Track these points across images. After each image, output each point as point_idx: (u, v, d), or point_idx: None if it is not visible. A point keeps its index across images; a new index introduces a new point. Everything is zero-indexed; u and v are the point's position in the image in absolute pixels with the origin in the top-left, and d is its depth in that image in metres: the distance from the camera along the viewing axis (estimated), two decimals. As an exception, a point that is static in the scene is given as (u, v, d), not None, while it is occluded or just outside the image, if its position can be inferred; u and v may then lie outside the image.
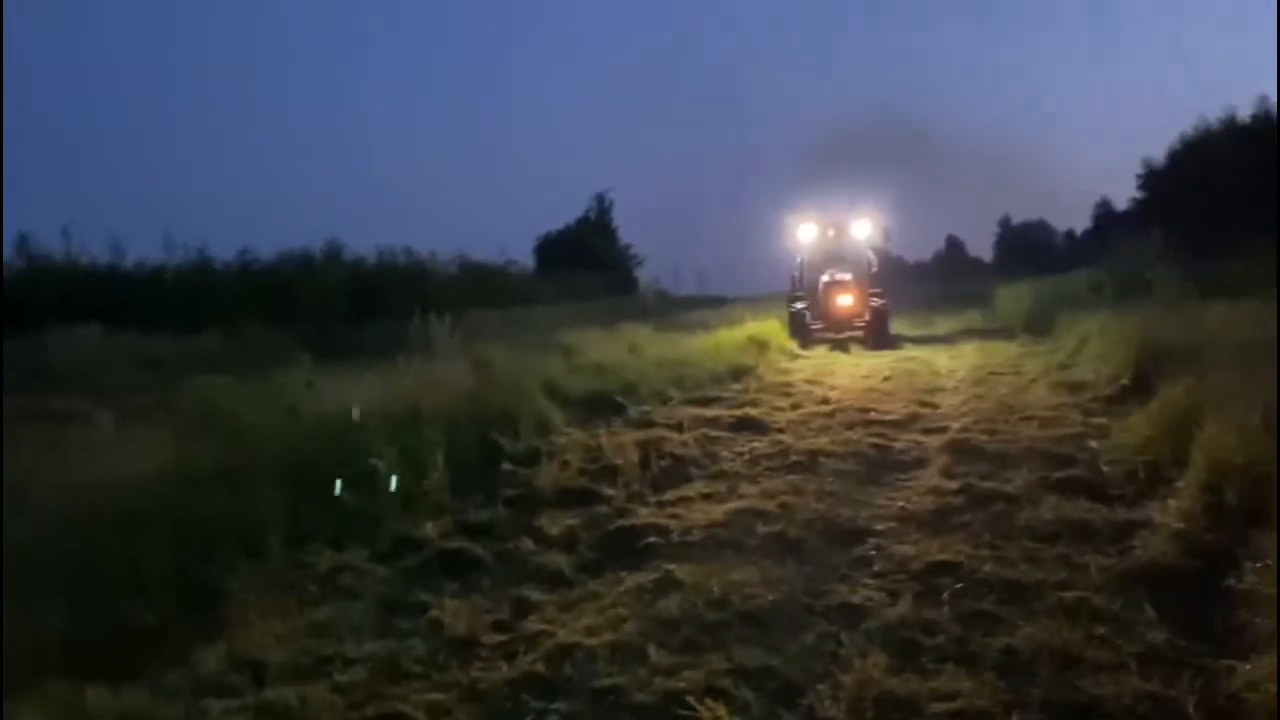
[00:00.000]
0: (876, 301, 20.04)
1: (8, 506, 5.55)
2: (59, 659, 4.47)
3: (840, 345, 19.28)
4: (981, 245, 72.45)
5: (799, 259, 21.67)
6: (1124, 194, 51.59)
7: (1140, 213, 41.18)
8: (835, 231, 21.88)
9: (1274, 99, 34.40)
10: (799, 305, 20.51)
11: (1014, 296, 26.41)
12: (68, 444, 6.50)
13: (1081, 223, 60.01)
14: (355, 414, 7.27)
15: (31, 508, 5.52)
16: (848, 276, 20.61)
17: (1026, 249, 59.84)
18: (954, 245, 70.66)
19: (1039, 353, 15.83)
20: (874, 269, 21.07)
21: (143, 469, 6.23)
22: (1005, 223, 68.85)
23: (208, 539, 5.54)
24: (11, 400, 13.18)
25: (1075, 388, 11.13)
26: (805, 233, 21.59)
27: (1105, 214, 55.77)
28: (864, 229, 21.48)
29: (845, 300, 20.29)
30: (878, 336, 19.32)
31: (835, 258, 21.61)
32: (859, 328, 19.86)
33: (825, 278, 20.67)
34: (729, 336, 17.14)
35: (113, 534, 5.24)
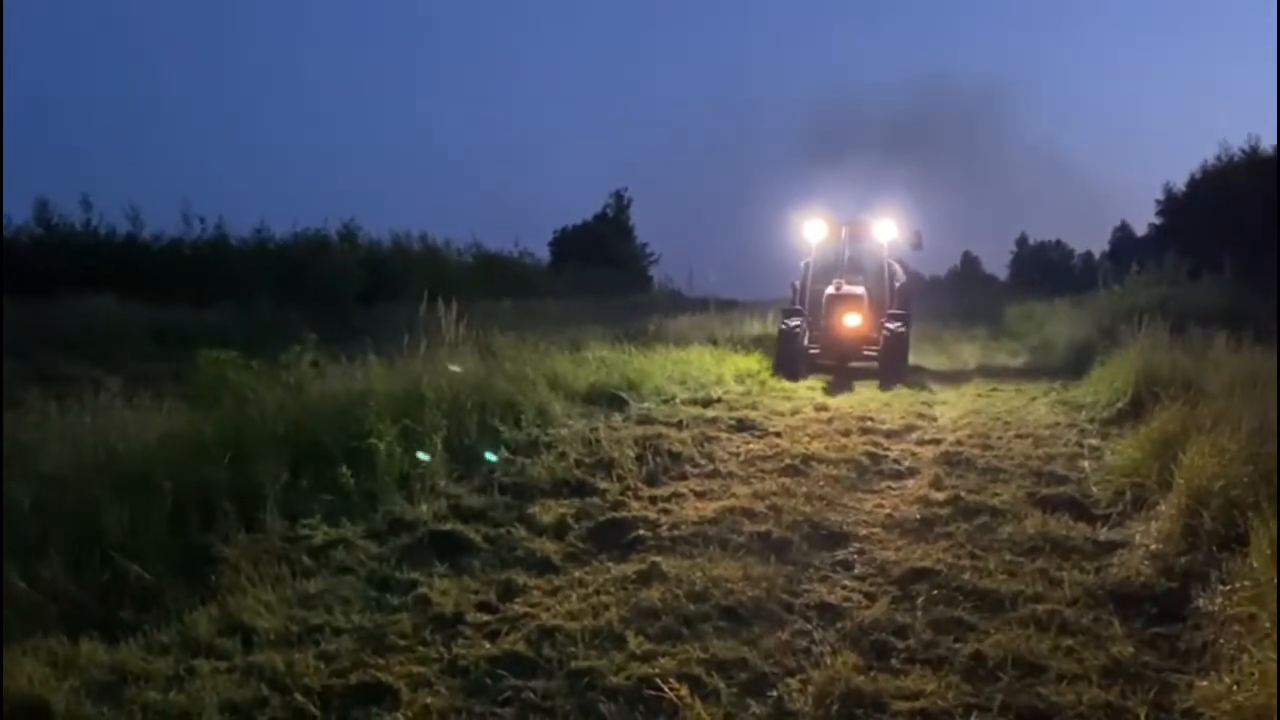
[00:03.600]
0: (894, 325, 15.38)
1: (16, 466, 5.72)
2: (57, 613, 4.63)
3: (841, 381, 14.70)
4: (998, 263, 72.30)
5: (803, 263, 17.21)
6: (1144, 219, 51.49)
7: (1158, 238, 41.04)
8: (850, 232, 17.34)
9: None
10: (792, 322, 15.67)
11: (1023, 315, 26.54)
12: (76, 408, 6.64)
13: (1099, 245, 59.82)
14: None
15: (37, 468, 5.68)
16: (859, 290, 16.10)
17: (1042, 269, 59.69)
18: (970, 262, 70.50)
19: (1042, 372, 15.88)
20: (898, 282, 16.86)
21: (148, 436, 6.38)
22: (1022, 241, 68.70)
23: (207, 507, 5.70)
24: (24, 364, 13.42)
25: (1074, 408, 11.19)
26: (813, 232, 17.08)
27: (1124, 238, 55.57)
28: (888, 232, 16.90)
29: (852, 320, 15.71)
30: (889, 370, 14.73)
31: (849, 266, 17.25)
32: (870, 357, 15.62)
33: (830, 289, 16.03)
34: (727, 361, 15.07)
35: (115, 497, 5.38)
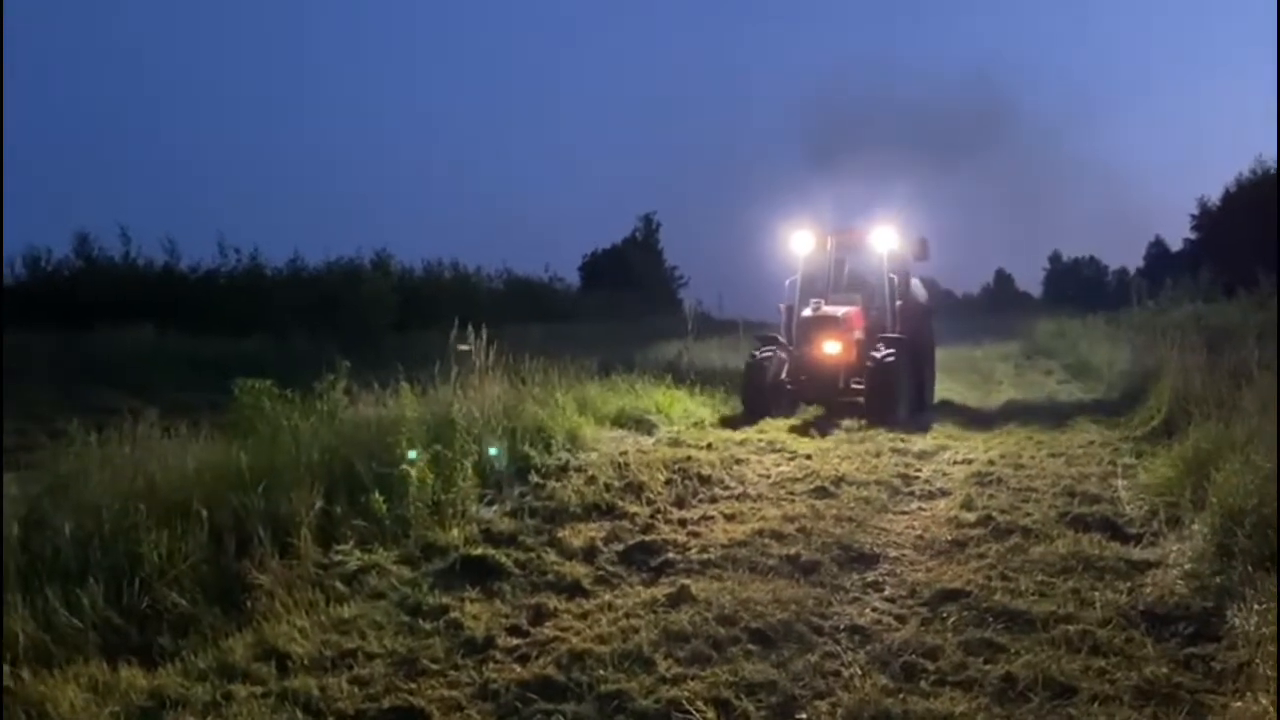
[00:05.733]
0: (882, 353, 12.84)
1: (56, 494, 5.84)
2: (97, 639, 4.72)
3: (828, 421, 12.24)
4: (1031, 280, 72.00)
5: (788, 280, 14.68)
6: (1179, 234, 51.14)
7: (1193, 254, 40.70)
8: (838, 243, 14.93)
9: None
10: (763, 352, 13.68)
11: (1056, 333, 26.35)
12: (115, 438, 6.76)
13: (1134, 261, 59.38)
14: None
15: (78, 497, 5.79)
16: (839, 311, 13.50)
17: (1076, 285, 59.38)
18: (1003, 279, 70.25)
19: (1074, 389, 15.78)
20: (899, 301, 14.10)
21: (185, 465, 6.49)
22: (1055, 258, 68.41)
23: (243, 534, 5.78)
24: (64, 395, 13.68)
25: (1108, 426, 11.13)
26: (800, 244, 14.62)
27: (1158, 253, 55.20)
28: (887, 241, 14.25)
29: (831, 347, 13.19)
30: (875, 408, 12.33)
31: (849, 282, 15.00)
32: (858, 392, 13.02)
33: (807, 311, 13.60)
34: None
35: (154, 525, 5.48)
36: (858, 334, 13.50)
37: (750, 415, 12.66)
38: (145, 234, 31.93)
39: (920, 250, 14.71)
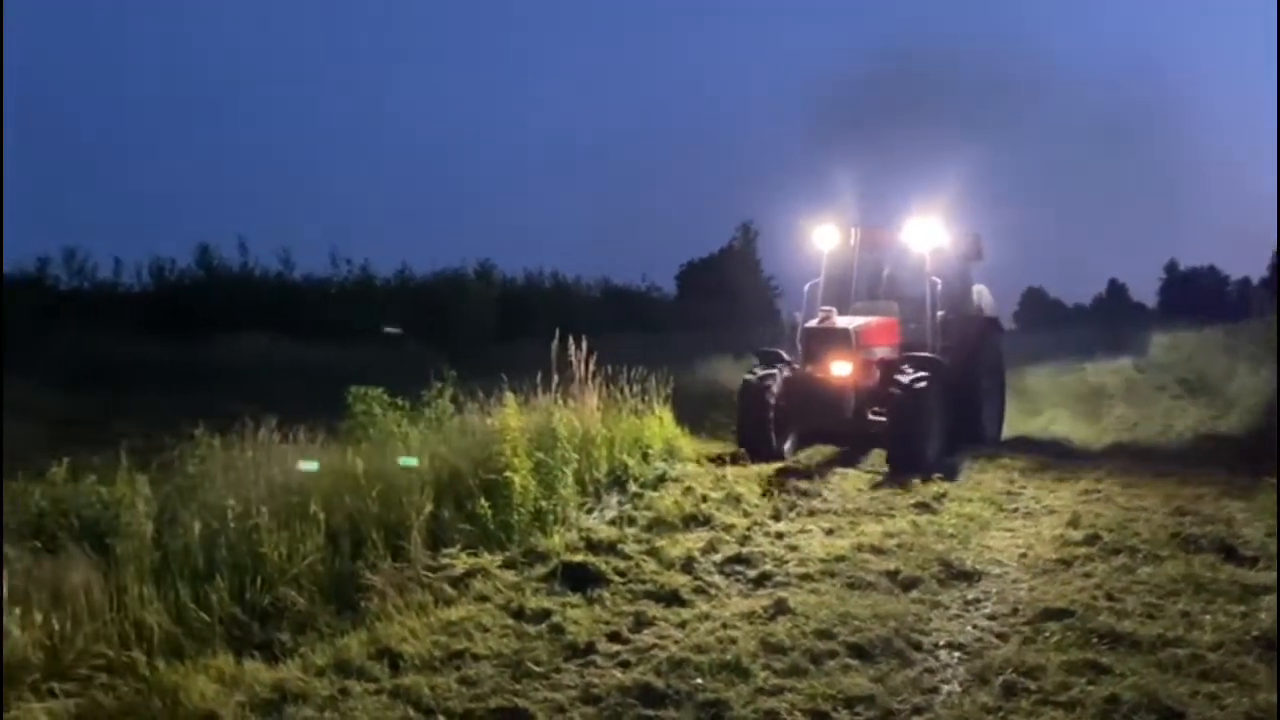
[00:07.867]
0: (911, 377, 10.33)
1: (184, 495, 6.17)
2: (223, 633, 4.99)
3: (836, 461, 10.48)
4: (1147, 290, 69.47)
5: (808, 285, 12.13)
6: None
7: (1320, 263, 38.90)
8: (864, 241, 12.42)
9: None
10: (761, 373, 11.06)
11: (1170, 346, 25.47)
12: (237, 442, 7.10)
13: (1257, 271, 56.89)
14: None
15: (204, 496, 6.12)
16: (854, 323, 10.97)
17: (1194, 296, 57.19)
18: (1116, 289, 68.00)
19: (1189, 405, 15.26)
20: (940, 312, 11.48)
21: (302, 468, 6.79)
22: (1172, 268, 65.96)
23: (357, 536, 6.03)
24: (186, 400, 14.33)
25: (1223, 443, 10.77)
26: (824, 239, 12.09)
27: (1284, 263, 52.82)
28: (931, 237, 11.61)
29: (840, 368, 10.64)
30: (897, 446, 10.16)
31: (885, 288, 12.86)
32: (876, 424, 10.64)
33: (812, 322, 11.11)
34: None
35: (274, 525, 5.76)
36: (880, 352, 11.16)
37: (748, 450, 10.36)
38: (262, 245, 33.14)
39: (974, 249, 12.47)
